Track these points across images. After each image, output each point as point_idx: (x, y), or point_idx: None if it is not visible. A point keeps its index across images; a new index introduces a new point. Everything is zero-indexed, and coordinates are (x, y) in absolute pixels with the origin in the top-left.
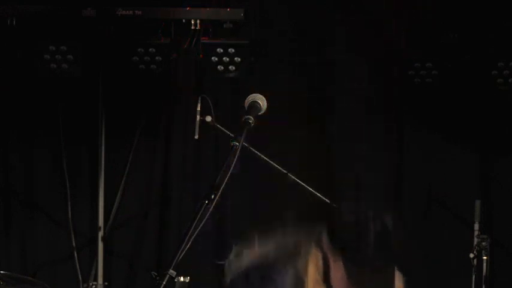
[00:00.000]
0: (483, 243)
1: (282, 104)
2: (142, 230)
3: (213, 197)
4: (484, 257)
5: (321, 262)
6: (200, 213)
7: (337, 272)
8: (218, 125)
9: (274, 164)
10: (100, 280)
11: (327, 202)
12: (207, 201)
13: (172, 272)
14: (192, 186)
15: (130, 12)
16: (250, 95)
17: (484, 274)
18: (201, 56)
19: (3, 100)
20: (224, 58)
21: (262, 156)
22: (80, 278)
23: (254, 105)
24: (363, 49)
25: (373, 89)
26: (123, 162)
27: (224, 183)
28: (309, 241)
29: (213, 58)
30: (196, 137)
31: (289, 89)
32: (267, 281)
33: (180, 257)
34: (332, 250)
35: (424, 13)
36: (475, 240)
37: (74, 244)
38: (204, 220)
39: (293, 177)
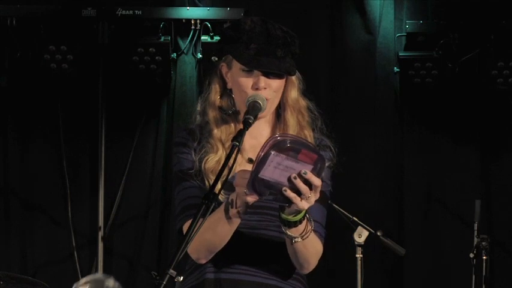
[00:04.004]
0: (483, 243)
1: None
2: (142, 230)
3: (212, 197)
4: (484, 257)
5: None
6: (200, 213)
7: (236, 74)
8: None
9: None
10: None
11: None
12: (207, 201)
13: (172, 272)
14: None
15: (130, 12)
16: (251, 95)
17: (484, 274)
18: (201, 56)
19: (2, 100)
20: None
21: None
22: (80, 277)
23: (254, 105)
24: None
25: (372, 89)
26: (123, 162)
27: (224, 183)
28: None
29: (213, 58)
30: None
31: None
32: None
33: (180, 257)
34: (228, 61)
35: (424, 13)
36: (475, 240)
37: (74, 244)
38: (204, 220)
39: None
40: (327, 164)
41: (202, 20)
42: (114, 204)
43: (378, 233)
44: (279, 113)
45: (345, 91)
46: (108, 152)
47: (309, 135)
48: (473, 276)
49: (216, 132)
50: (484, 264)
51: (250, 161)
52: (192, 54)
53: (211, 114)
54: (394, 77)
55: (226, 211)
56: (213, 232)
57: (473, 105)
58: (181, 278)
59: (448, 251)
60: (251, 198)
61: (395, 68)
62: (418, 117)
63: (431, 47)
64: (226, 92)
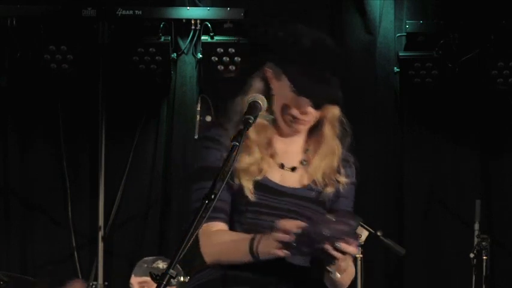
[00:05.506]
0: (483, 243)
1: None
2: (142, 230)
3: (213, 196)
4: (484, 257)
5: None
6: (200, 213)
7: (284, 92)
8: None
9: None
10: (100, 280)
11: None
12: (207, 201)
13: (172, 272)
14: (192, 186)
15: (130, 12)
16: (251, 95)
17: (484, 274)
18: (201, 56)
19: (2, 100)
20: (224, 58)
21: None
22: (80, 277)
23: (254, 105)
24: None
25: (372, 89)
26: (123, 162)
27: (224, 183)
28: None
29: (213, 58)
30: (196, 136)
31: None
32: None
33: (180, 257)
34: (275, 70)
35: (424, 13)
36: (475, 240)
37: (74, 244)
38: (204, 220)
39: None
40: (352, 180)
41: (202, 20)
42: (114, 204)
43: (378, 233)
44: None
45: (345, 91)
46: (108, 152)
47: (337, 147)
48: (473, 276)
49: (253, 135)
50: (484, 264)
51: (282, 166)
52: (192, 54)
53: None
54: (394, 77)
55: (246, 249)
56: (228, 258)
57: (473, 105)
58: (182, 278)
59: (448, 251)
60: (281, 253)
61: (395, 68)
62: (418, 117)
63: (431, 47)
64: (267, 97)
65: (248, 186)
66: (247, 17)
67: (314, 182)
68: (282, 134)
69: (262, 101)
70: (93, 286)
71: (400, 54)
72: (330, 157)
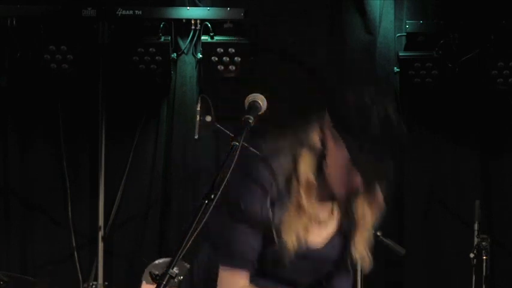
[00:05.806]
0: (483, 243)
1: (282, 104)
2: (142, 230)
3: (213, 196)
4: (484, 257)
5: (315, 155)
6: (200, 213)
7: (338, 158)
8: (218, 125)
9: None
10: (100, 280)
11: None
12: (207, 201)
13: (172, 271)
14: (192, 186)
15: (130, 12)
16: (250, 95)
17: (484, 274)
18: (201, 56)
19: (2, 100)
20: (224, 58)
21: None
22: (80, 277)
23: (254, 105)
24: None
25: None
26: (123, 162)
27: (224, 183)
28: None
29: (213, 58)
30: (196, 137)
31: (290, 88)
32: None
33: (180, 257)
34: (334, 132)
35: (424, 13)
36: (475, 240)
37: (74, 244)
38: (204, 220)
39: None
40: None
41: (202, 20)
42: (114, 204)
43: (378, 233)
44: None
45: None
46: (108, 152)
47: (372, 219)
48: (473, 276)
49: (304, 194)
50: (484, 264)
51: (316, 219)
52: (192, 54)
53: (305, 179)
54: (394, 77)
55: None
56: None
57: (473, 105)
58: (182, 277)
59: (448, 251)
60: None
61: (395, 68)
62: (418, 117)
63: (431, 47)
64: (321, 155)
65: (289, 253)
66: (247, 17)
67: (349, 253)
68: (321, 191)
69: (262, 101)
70: (93, 286)
71: (400, 54)
72: (366, 231)
